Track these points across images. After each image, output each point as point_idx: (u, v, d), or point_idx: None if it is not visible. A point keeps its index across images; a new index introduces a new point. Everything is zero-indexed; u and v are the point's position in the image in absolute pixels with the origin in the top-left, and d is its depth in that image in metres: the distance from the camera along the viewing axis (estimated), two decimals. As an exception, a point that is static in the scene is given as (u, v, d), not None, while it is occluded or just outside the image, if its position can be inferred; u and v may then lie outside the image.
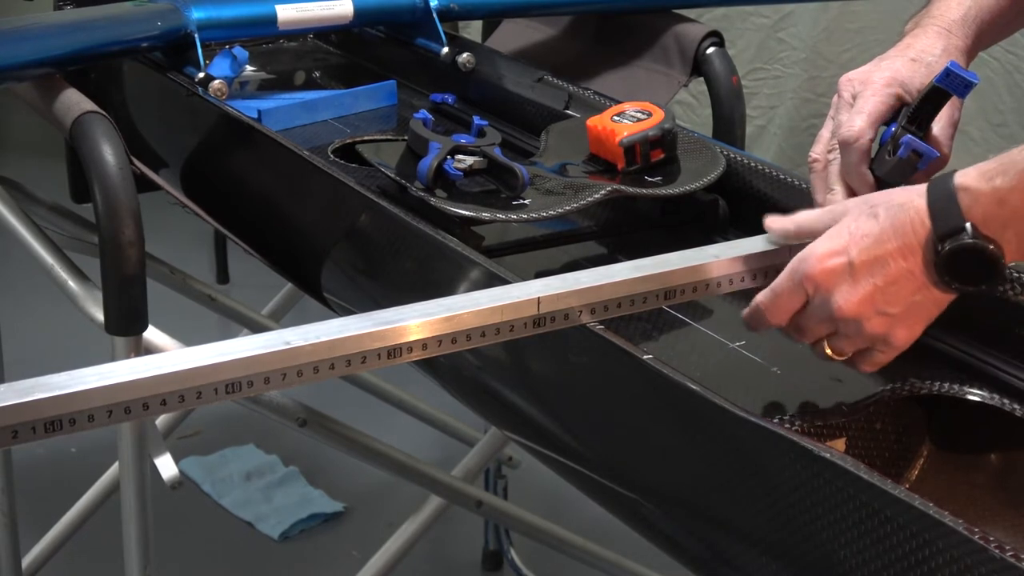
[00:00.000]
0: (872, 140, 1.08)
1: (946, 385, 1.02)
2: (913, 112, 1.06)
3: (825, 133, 1.13)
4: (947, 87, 1.03)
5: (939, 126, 1.07)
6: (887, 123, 1.09)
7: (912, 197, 0.91)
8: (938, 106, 1.05)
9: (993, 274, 0.89)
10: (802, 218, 1.01)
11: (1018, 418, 1.00)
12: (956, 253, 0.89)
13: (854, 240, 0.92)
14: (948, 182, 0.90)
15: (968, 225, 0.88)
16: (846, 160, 1.09)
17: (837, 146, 1.10)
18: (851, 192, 1.09)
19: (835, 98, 1.13)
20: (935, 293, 0.92)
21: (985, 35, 1.16)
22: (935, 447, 1.05)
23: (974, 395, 1.02)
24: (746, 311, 1.00)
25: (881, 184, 1.07)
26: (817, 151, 1.12)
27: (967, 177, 0.89)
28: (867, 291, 0.92)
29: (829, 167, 1.11)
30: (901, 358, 0.96)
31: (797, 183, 1.23)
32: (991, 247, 0.88)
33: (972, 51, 1.15)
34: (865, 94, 1.10)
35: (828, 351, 0.98)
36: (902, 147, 1.05)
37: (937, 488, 1.02)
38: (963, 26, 1.13)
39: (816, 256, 0.94)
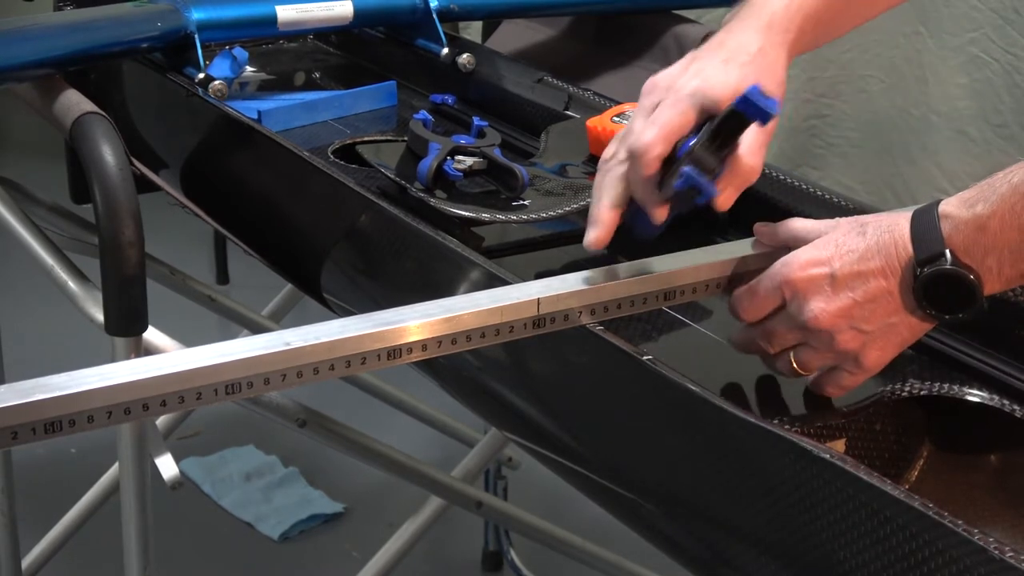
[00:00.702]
0: (662, 155, 0.99)
1: (946, 386, 1.02)
2: (714, 131, 0.97)
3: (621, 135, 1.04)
4: (745, 113, 0.94)
5: (747, 142, 0.99)
6: (688, 135, 1.00)
7: (899, 220, 0.91)
8: (740, 129, 0.97)
9: (970, 302, 0.89)
10: (793, 227, 1.01)
11: (1018, 419, 1.00)
12: (934, 279, 0.89)
13: (839, 253, 0.92)
14: (932, 209, 0.90)
15: (947, 252, 0.88)
16: (632, 172, 1.01)
17: (622, 154, 1.02)
18: (621, 205, 1.02)
19: (639, 102, 1.05)
20: (911, 319, 0.92)
21: (814, 27, 1.07)
22: (935, 448, 1.05)
23: (974, 396, 1.02)
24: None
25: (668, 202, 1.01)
26: (608, 151, 1.04)
27: (949, 205, 0.89)
28: (844, 304, 0.92)
29: (607, 175, 1.03)
30: (901, 358, 0.96)
31: (797, 184, 1.23)
32: (970, 276, 0.88)
33: (796, 45, 1.07)
34: (667, 102, 1.01)
35: (794, 364, 0.97)
36: (682, 178, 0.97)
37: (937, 489, 1.02)
38: (785, 18, 1.05)
39: (799, 263, 0.94)
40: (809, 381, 0.99)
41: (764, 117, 0.94)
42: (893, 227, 0.91)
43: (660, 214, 1.01)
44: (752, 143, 1.00)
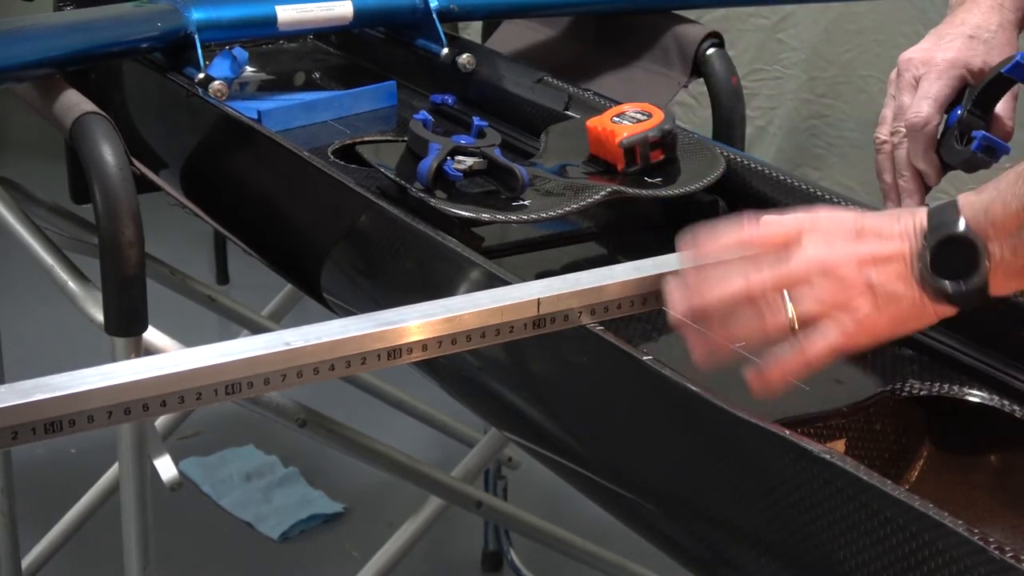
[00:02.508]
0: (939, 125, 1.14)
1: (946, 386, 1.02)
2: (978, 97, 1.11)
3: (888, 113, 1.17)
4: (1015, 76, 1.09)
5: (1001, 102, 1.13)
6: (951, 105, 1.14)
7: (914, 208, 0.94)
8: (1002, 92, 1.11)
9: (972, 269, 0.87)
10: (767, 220, 0.98)
11: (1018, 419, 1.00)
12: (945, 241, 0.88)
13: (862, 217, 0.91)
14: (951, 201, 0.90)
15: (961, 219, 0.87)
16: (914, 145, 1.14)
17: (902, 129, 1.15)
18: (919, 176, 1.15)
19: (894, 76, 1.17)
20: (916, 292, 0.89)
21: None
22: (934, 448, 1.05)
23: (974, 396, 1.02)
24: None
25: (948, 168, 1.14)
26: (883, 133, 1.17)
27: (962, 195, 0.89)
28: (864, 253, 0.89)
29: (896, 151, 1.16)
30: (901, 358, 0.96)
31: (796, 184, 1.23)
32: (978, 239, 0.86)
33: (1021, 22, 1.19)
34: (929, 76, 1.14)
35: (791, 310, 0.91)
36: (976, 141, 1.10)
37: (936, 489, 1.02)
38: None
39: (827, 214, 0.92)
40: (771, 365, 0.93)
41: None
42: (913, 210, 0.91)
43: (939, 178, 1.16)
44: (1005, 105, 1.14)
